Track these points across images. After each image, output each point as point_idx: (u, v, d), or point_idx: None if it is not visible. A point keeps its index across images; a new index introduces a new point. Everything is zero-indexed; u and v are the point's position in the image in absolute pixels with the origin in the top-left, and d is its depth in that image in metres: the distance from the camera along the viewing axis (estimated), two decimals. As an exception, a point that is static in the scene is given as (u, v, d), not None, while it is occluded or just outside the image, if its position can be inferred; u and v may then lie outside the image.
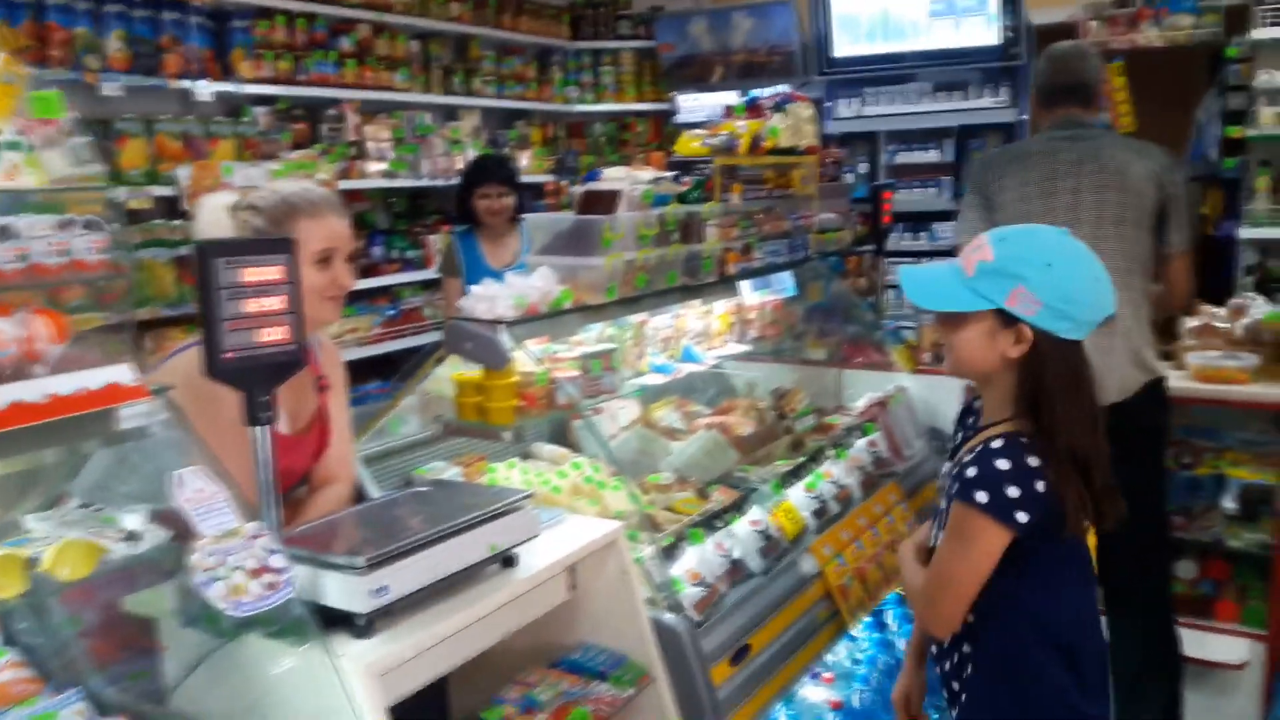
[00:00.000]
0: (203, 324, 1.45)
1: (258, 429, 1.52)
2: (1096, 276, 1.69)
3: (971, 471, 1.67)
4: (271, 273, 1.47)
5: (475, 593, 1.73)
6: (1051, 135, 2.99)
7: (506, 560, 1.81)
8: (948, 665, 1.86)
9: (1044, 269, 1.65)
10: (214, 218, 2.00)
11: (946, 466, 1.88)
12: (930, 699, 2.10)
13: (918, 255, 5.78)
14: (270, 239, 1.55)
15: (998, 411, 1.75)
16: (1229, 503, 3.41)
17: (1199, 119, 5.07)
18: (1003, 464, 1.64)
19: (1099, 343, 2.80)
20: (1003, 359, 1.70)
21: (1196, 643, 3.03)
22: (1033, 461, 1.64)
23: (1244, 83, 4.77)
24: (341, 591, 1.54)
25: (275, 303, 1.48)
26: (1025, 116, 5.57)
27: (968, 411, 1.94)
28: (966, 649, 1.80)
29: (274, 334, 1.49)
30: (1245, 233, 4.64)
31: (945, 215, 5.91)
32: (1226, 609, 3.21)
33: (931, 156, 5.93)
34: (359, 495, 2.28)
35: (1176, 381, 3.07)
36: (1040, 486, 1.63)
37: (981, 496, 1.64)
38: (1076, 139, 2.95)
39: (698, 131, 3.11)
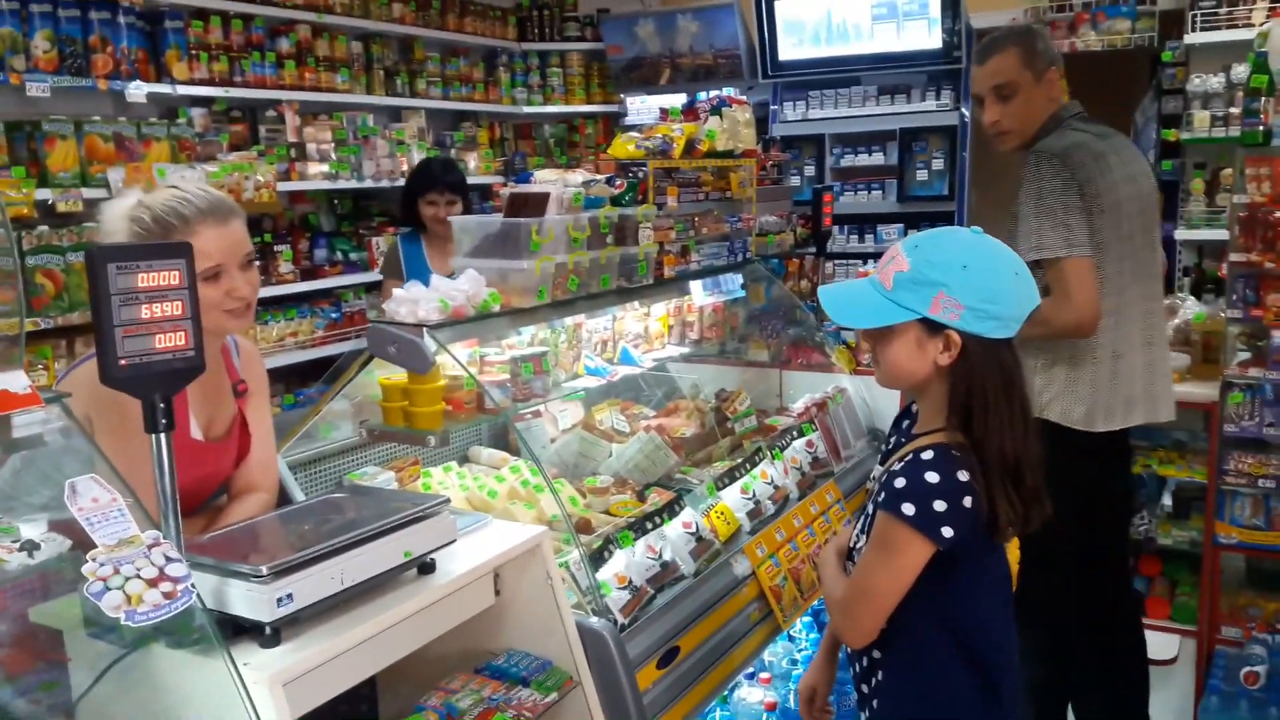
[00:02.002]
0: (96, 331, 1.42)
1: (157, 436, 1.49)
2: (1015, 271, 1.68)
3: (900, 482, 1.65)
4: (167, 277, 1.43)
5: (390, 599, 1.70)
6: (1092, 130, 2.75)
7: (424, 567, 1.78)
8: (858, 668, 1.86)
9: (961, 271, 1.64)
10: (115, 225, 1.93)
11: (877, 470, 1.88)
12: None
13: (863, 257, 5.82)
14: (166, 243, 1.51)
15: (932, 419, 1.74)
16: (1164, 499, 3.47)
17: (1137, 122, 5.15)
18: (932, 477, 1.62)
19: (1154, 359, 2.73)
20: (934, 367, 1.69)
21: (1128, 639, 3.05)
22: (962, 476, 1.62)
23: (1179, 86, 4.85)
24: (245, 600, 1.51)
25: (171, 308, 1.44)
26: (968, 119, 5.64)
27: (905, 414, 1.93)
28: (877, 654, 1.80)
29: (171, 339, 1.45)
30: (1181, 234, 4.72)
31: (890, 218, 5.96)
32: (1157, 605, 3.25)
33: (876, 159, 5.97)
34: (283, 502, 2.24)
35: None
36: (968, 502, 1.62)
37: (908, 509, 1.62)
38: (1109, 135, 2.78)
39: (633, 134, 3.09)
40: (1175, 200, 4.90)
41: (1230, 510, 3.16)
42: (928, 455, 1.66)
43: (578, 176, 2.75)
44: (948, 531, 1.61)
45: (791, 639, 3.06)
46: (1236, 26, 4.55)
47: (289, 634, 1.55)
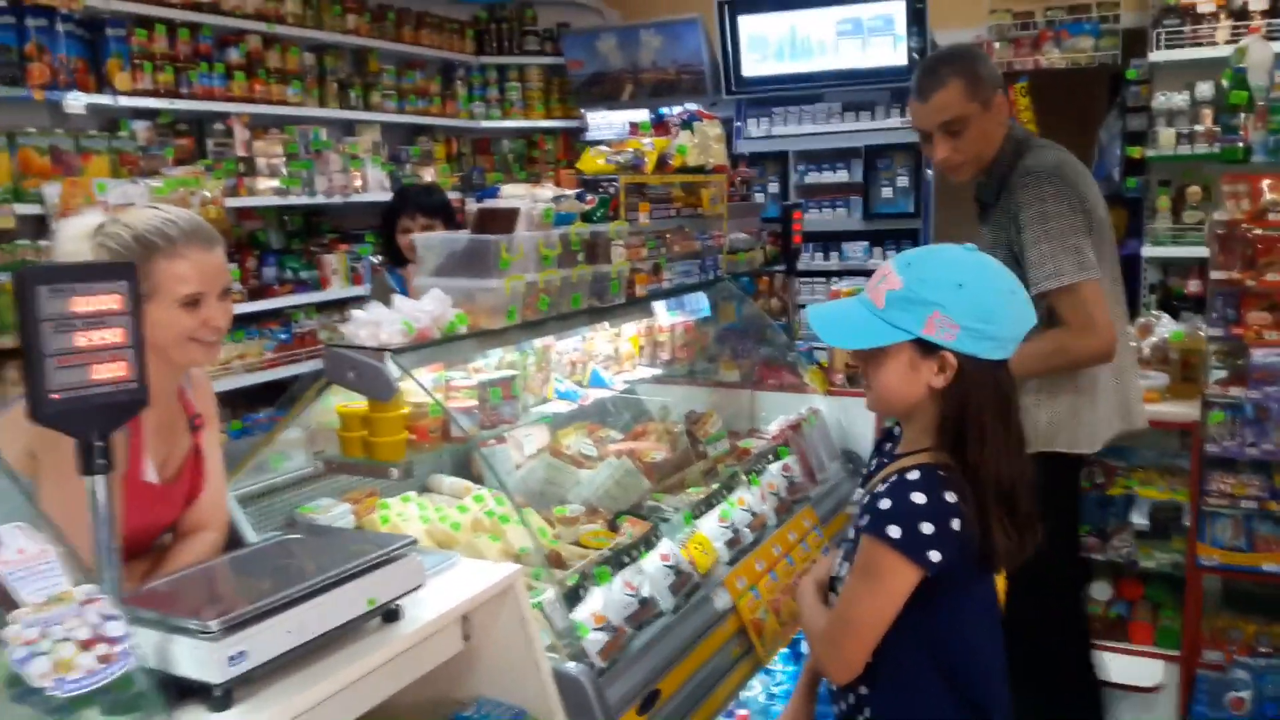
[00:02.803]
0: (25, 361, 1.26)
1: (93, 480, 1.33)
2: (1011, 290, 1.61)
3: (885, 504, 1.56)
4: (106, 302, 1.29)
5: (352, 652, 1.55)
6: (1055, 147, 2.66)
7: (388, 614, 1.64)
8: (844, 705, 1.75)
9: (956, 290, 1.56)
10: (74, 247, 1.79)
11: (859, 494, 1.79)
12: None
13: (828, 275, 5.77)
14: (105, 264, 1.37)
15: (917, 440, 1.66)
16: (1140, 519, 3.40)
17: (1101, 139, 5.15)
18: (919, 498, 1.54)
19: (1123, 365, 2.65)
20: (928, 390, 1.61)
21: (1113, 666, 2.98)
22: (950, 497, 1.54)
23: (1143, 104, 4.86)
24: (193, 659, 1.36)
25: (111, 335, 1.29)
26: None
27: (887, 437, 1.85)
28: (864, 690, 1.70)
29: (110, 370, 1.30)
30: (1148, 251, 4.71)
31: (855, 235, 5.91)
32: (1140, 630, 3.19)
33: (840, 176, 5.92)
34: (234, 542, 2.08)
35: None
36: (955, 524, 1.54)
37: (894, 532, 1.54)
38: (1065, 150, 2.70)
39: (603, 148, 2.98)
40: (1140, 218, 4.90)
41: (1211, 532, 3.10)
42: (913, 475, 1.58)
43: (547, 191, 2.63)
44: (935, 555, 1.53)
45: (768, 672, 2.95)
46: (1200, 45, 4.57)
47: (241, 695, 1.40)
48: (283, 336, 5.00)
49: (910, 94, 2.67)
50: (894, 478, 1.61)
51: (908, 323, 1.58)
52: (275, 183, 4.97)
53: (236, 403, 4.72)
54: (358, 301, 5.42)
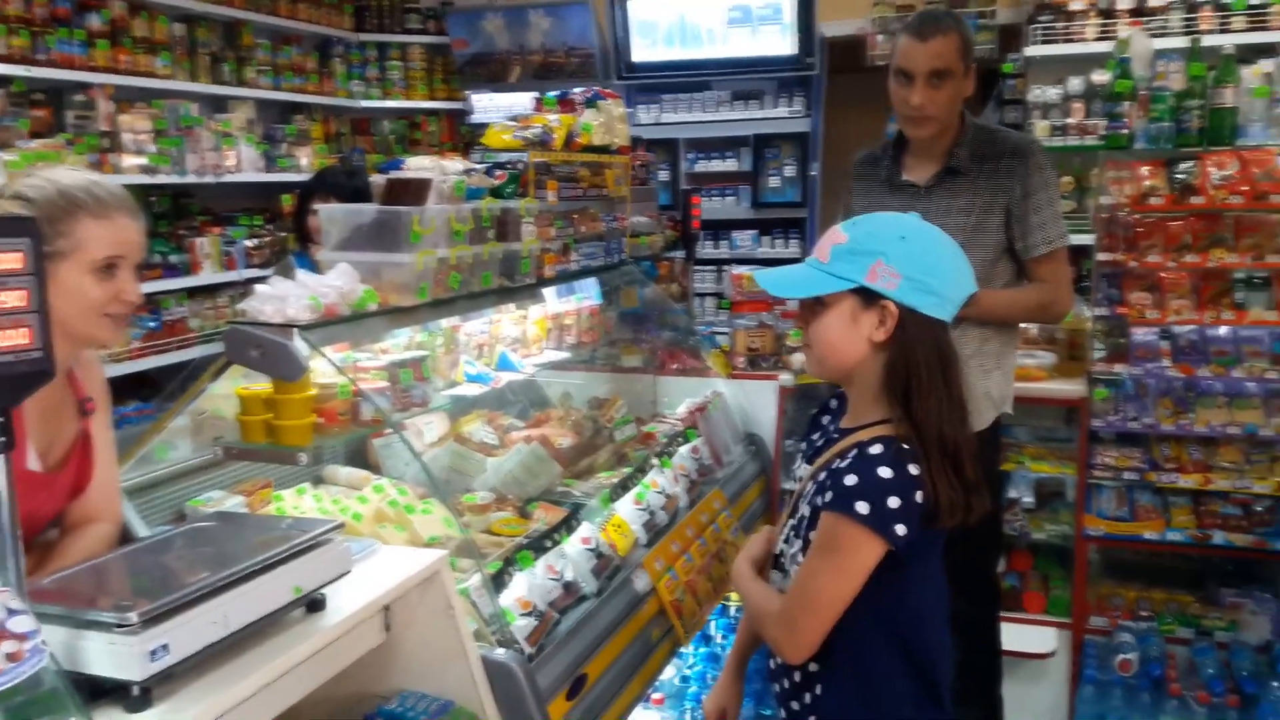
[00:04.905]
0: (-92, 326, 1.12)
1: (-9, 459, 1.20)
2: (955, 252, 1.64)
3: (851, 480, 1.54)
4: (6, 261, 1.15)
5: (275, 645, 1.46)
6: None
7: (313, 604, 1.54)
8: (786, 684, 1.72)
9: (899, 241, 1.58)
10: None
11: (804, 469, 1.76)
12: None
13: (719, 263, 5.80)
14: (5, 219, 1.22)
15: (866, 410, 1.64)
16: (1025, 494, 3.53)
17: (979, 131, 5.30)
18: (885, 472, 1.53)
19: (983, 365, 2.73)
20: (869, 344, 1.60)
21: (1008, 635, 3.07)
22: (914, 469, 1.54)
23: (1019, 97, 5.04)
24: (109, 656, 1.25)
25: (12, 298, 1.16)
26: (819, 126, 5.70)
27: (823, 412, 1.83)
28: (813, 667, 1.67)
29: (10, 338, 1.17)
30: (1023, 238, 4.88)
31: (744, 224, 5.96)
32: (1034, 600, 3.30)
33: (730, 165, 5.97)
34: (123, 537, 1.92)
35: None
36: (919, 497, 1.53)
37: (862, 507, 1.51)
38: None
39: (509, 123, 2.89)
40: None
41: (1097, 503, 3.24)
42: (876, 450, 1.56)
43: (456, 164, 2.53)
44: (901, 529, 1.52)
45: (680, 655, 2.93)
46: (1072, 41, 4.76)
47: (160, 693, 1.29)
48: (151, 324, 4.70)
49: (902, 33, 2.62)
50: (854, 452, 1.59)
51: (851, 272, 1.58)
52: (142, 160, 4.66)
53: (103, 394, 4.42)
54: (230, 287, 5.17)
